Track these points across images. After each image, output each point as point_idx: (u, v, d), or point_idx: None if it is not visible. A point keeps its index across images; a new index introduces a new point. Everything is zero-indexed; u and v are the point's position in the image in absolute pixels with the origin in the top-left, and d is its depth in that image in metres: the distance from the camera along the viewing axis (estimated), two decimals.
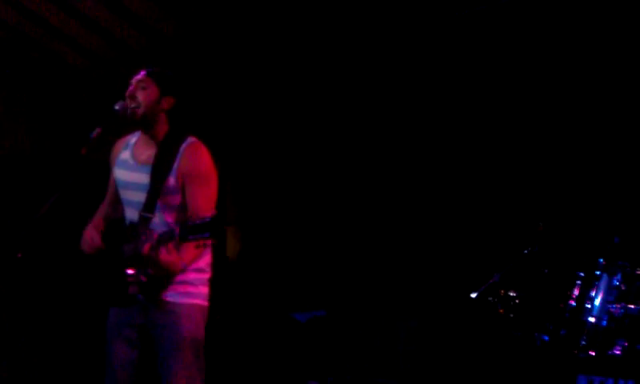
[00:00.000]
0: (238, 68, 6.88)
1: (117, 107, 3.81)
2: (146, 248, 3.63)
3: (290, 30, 6.41)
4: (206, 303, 3.96)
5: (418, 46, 6.23)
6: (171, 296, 3.85)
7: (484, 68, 6.05)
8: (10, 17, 6.35)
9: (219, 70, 6.91)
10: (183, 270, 3.80)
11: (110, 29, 6.46)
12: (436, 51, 6.18)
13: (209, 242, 3.49)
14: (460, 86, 6.20)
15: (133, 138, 4.01)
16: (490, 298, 5.24)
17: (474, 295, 5.24)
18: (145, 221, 3.76)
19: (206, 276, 3.97)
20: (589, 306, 4.89)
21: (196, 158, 3.84)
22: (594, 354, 4.72)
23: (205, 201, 3.75)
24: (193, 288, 3.89)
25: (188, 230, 3.44)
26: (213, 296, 4.02)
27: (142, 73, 3.89)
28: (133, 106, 3.82)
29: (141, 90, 3.84)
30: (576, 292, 5.01)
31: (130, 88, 3.86)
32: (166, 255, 3.63)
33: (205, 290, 3.95)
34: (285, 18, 6.33)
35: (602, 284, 4.88)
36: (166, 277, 3.77)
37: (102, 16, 6.32)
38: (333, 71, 6.64)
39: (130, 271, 3.70)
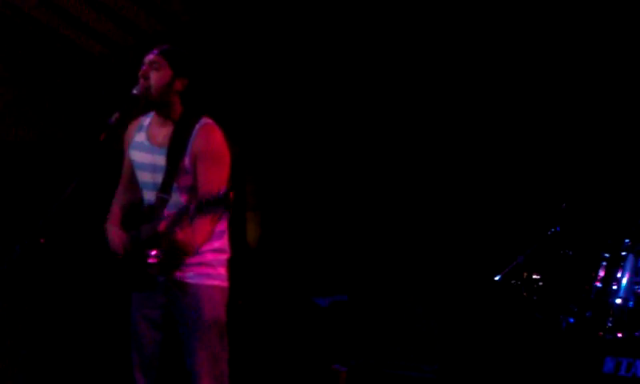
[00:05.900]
0: (258, 54, 6.85)
1: (135, 92, 3.80)
2: (162, 226, 3.64)
3: (310, 13, 6.38)
4: (225, 284, 3.96)
5: (427, 33, 6.19)
6: (190, 278, 3.86)
7: (511, 47, 5.99)
8: (25, 4, 6.33)
9: (239, 56, 6.88)
10: (200, 250, 3.80)
11: (127, 15, 6.45)
12: (450, 36, 6.13)
13: (223, 216, 3.49)
14: (483, 64, 6.15)
15: (146, 120, 3.99)
16: (514, 281, 5.21)
17: (497, 278, 5.21)
18: (162, 202, 3.78)
19: (225, 256, 3.96)
20: (615, 287, 4.86)
21: (208, 138, 3.83)
22: (620, 335, 4.68)
23: (217, 178, 3.74)
24: (211, 269, 3.89)
25: (202, 205, 3.47)
26: (234, 282, 4.01)
27: (155, 51, 3.85)
28: (146, 86, 3.80)
29: (154, 71, 3.82)
30: (601, 273, 4.97)
31: (143, 68, 3.84)
32: (182, 233, 3.63)
33: (223, 270, 3.95)
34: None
35: (628, 265, 4.86)
36: (183, 255, 3.77)
37: (118, 2, 6.30)
38: (355, 53, 6.59)
39: (150, 252, 3.70)
